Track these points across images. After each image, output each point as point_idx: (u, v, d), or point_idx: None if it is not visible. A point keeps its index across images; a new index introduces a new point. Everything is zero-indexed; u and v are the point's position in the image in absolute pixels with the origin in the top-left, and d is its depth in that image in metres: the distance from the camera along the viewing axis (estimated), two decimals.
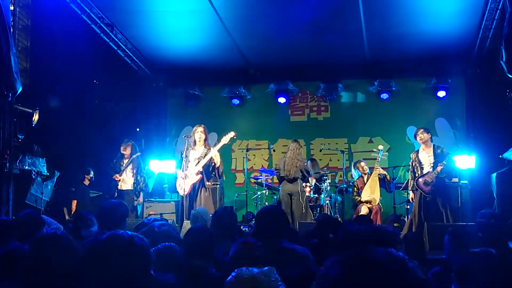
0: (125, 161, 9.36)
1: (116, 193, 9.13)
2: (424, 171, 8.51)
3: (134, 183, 9.26)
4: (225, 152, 10.32)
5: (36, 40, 8.93)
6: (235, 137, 9.01)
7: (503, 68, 6.61)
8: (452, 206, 8.58)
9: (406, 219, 9.38)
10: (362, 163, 10.14)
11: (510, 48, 6.51)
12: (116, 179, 9.14)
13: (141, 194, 9.32)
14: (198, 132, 8.71)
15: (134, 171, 9.27)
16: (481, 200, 9.85)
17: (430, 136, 8.64)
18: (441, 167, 8.33)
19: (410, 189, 8.87)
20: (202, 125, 8.86)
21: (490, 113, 10.77)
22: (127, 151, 9.39)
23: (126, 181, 9.25)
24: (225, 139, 8.75)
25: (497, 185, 9.14)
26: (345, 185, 10.59)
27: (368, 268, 1.20)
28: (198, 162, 8.53)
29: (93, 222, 4.74)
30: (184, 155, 8.62)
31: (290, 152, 9.36)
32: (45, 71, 9.12)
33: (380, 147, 9.94)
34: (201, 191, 8.52)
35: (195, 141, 8.71)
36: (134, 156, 9.32)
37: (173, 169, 10.69)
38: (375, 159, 9.82)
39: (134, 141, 9.67)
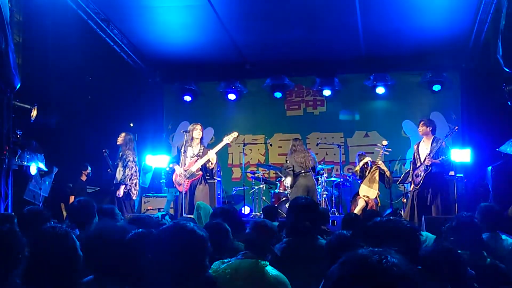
0: (120, 154, 9.34)
1: (113, 187, 9.12)
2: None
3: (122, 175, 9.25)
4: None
5: (28, 36, 8.89)
6: (238, 137, 9.17)
7: (500, 62, 6.67)
8: (443, 199, 8.62)
9: (402, 212, 9.45)
10: (362, 161, 10.10)
11: (506, 42, 6.57)
12: (110, 172, 9.11)
13: (121, 187, 8.99)
14: (198, 130, 8.87)
15: (123, 164, 9.21)
16: (476, 193, 9.91)
17: (430, 129, 8.64)
18: (428, 159, 8.40)
19: (407, 181, 8.95)
20: (200, 124, 9.03)
21: (485, 107, 10.82)
22: (119, 142, 9.37)
23: (118, 174, 9.21)
24: (228, 139, 8.90)
25: (493, 178, 9.20)
26: (341, 179, 10.63)
27: (364, 271, 1.30)
28: (197, 159, 8.64)
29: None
30: (182, 150, 8.68)
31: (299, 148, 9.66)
32: (38, 67, 9.09)
33: (385, 142, 9.90)
34: (199, 186, 8.63)
35: (192, 138, 8.82)
36: (122, 154, 9.26)
37: (166, 164, 10.74)
38: (374, 153, 9.86)
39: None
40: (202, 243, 2.20)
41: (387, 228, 2.71)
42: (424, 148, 8.66)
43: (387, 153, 9.86)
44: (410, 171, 8.80)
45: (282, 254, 3.61)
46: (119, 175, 9.05)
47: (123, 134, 9.38)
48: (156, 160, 11.59)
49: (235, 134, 9.04)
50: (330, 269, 1.38)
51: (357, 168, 9.93)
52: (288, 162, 9.79)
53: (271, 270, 3.22)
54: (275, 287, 3.13)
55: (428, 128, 8.63)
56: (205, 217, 6.18)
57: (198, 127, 8.93)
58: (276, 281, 3.17)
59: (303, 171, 9.45)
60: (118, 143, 9.34)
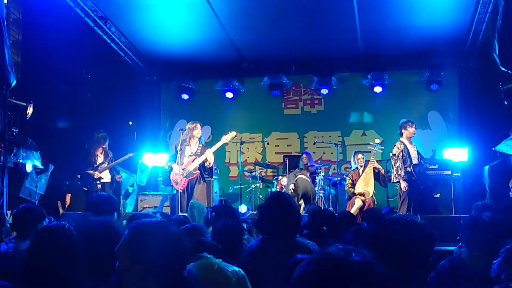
0: (100, 156, 9.22)
1: (99, 185, 9.07)
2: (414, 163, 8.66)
3: (111, 176, 9.26)
4: None
5: (27, 34, 8.88)
6: (236, 137, 9.12)
7: (496, 61, 6.67)
8: (445, 199, 8.70)
9: (398, 211, 9.45)
10: (360, 155, 10.12)
11: (503, 41, 6.56)
12: (96, 176, 9.03)
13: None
14: (198, 129, 8.83)
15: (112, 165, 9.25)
16: (473, 192, 9.92)
17: None
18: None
19: (402, 178, 8.87)
20: (199, 122, 9.00)
21: (483, 106, 10.83)
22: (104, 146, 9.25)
23: (104, 174, 9.20)
24: (226, 138, 8.86)
25: (490, 177, 9.22)
26: (338, 178, 10.62)
27: (329, 267, 1.34)
28: (195, 158, 8.61)
29: None
30: (179, 149, 8.65)
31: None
32: (36, 65, 9.08)
33: (377, 140, 9.93)
34: (196, 184, 8.60)
35: (191, 137, 8.77)
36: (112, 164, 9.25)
37: (165, 162, 10.74)
38: (370, 152, 9.84)
39: (123, 136, 9.66)
40: (180, 239, 2.18)
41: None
42: (413, 149, 8.74)
43: (381, 151, 9.86)
44: (401, 170, 8.76)
45: (257, 251, 3.58)
46: (108, 175, 9.09)
47: (106, 136, 9.26)
48: (153, 158, 11.56)
49: (233, 133, 9.01)
50: (298, 267, 1.41)
51: (349, 188, 9.96)
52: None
53: (227, 265, 3.27)
54: (235, 279, 3.18)
55: None
56: (198, 216, 6.18)
57: (198, 125, 8.90)
58: (236, 274, 3.21)
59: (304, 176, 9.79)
60: (103, 148, 9.24)
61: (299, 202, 9.75)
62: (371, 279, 1.31)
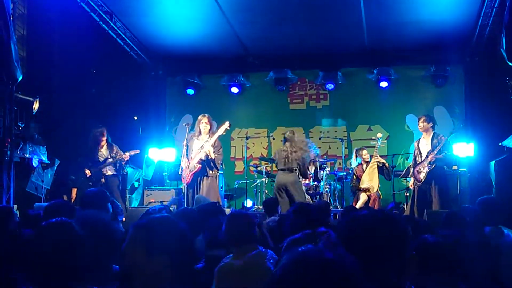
0: (102, 151, 9.28)
1: (103, 179, 9.11)
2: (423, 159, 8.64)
3: (115, 169, 9.30)
4: (225, 140, 10.32)
5: (32, 29, 8.88)
6: (229, 128, 8.94)
7: (503, 56, 6.64)
8: (444, 194, 8.65)
9: (405, 206, 9.46)
10: (365, 151, 10.14)
11: (510, 36, 6.53)
12: (88, 174, 9.06)
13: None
14: (203, 123, 8.70)
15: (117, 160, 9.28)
16: (479, 187, 9.90)
17: (430, 125, 8.72)
18: (432, 156, 8.43)
19: (410, 176, 8.98)
20: (206, 115, 8.82)
21: (489, 101, 10.79)
22: (104, 142, 9.29)
23: (108, 168, 9.27)
24: (220, 131, 8.70)
25: (496, 172, 9.18)
26: (344, 173, 10.62)
27: (304, 268, 1.31)
28: (199, 151, 8.57)
29: None
30: (184, 143, 8.63)
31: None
32: (42, 60, 9.09)
33: (379, 135, 9.97)
34: (203, 179, 8.54)
35: (200, 132, 8.70)
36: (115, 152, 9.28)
37: (173, 157, 10.75)
38: (374, 146, 9.85)
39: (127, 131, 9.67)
40: (187, 233, 2.20)
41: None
42: (425, 144, 8.69)
43: (383, 145, 9.86)
44: (411, 167, 8.84)
45: None
46: (111, 168, 9.16)
47: (103, 131, 9.30)
48: (159, 153, 11.57)
49: (226, 124, 8.72)
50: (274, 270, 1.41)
51: (354, 184, 9.92)
52: (274, 154, 9.32)
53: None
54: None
55: (428, 124, 8.70)
56: None
57: (204, 119, 8.72)
58: None
59: (284, 168, 8.66)
60: (104, 142, 9.29)
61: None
62: (346, 275, 1.31)
